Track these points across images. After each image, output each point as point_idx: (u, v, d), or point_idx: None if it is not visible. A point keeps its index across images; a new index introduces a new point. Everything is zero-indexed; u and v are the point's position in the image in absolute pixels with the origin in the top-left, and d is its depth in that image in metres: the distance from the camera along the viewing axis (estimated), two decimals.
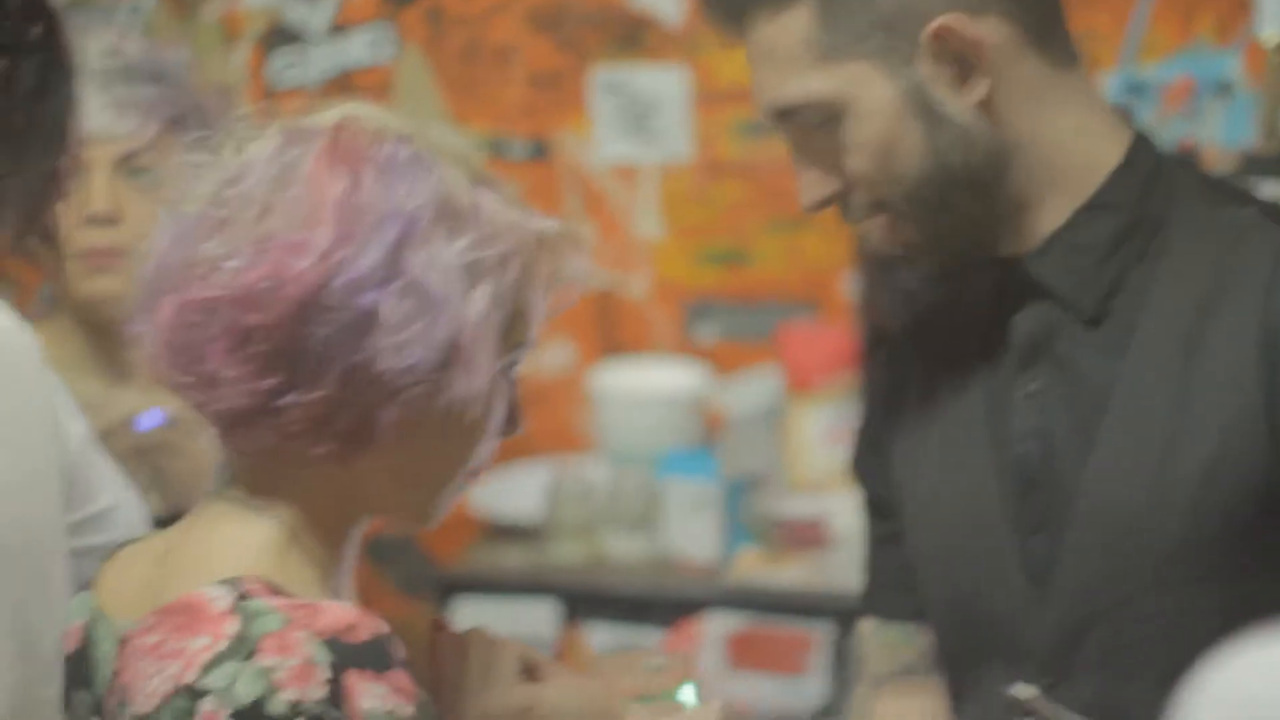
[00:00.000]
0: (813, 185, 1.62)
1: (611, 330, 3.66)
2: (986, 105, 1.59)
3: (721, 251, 3.60)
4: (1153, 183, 1.63)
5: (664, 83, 3.54)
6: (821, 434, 3.23)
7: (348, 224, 1.36)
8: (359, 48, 3.65)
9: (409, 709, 1.33)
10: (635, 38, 3.54)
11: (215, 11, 3.69)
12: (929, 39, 1.57)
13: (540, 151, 3.62)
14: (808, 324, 3.50)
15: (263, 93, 3.68)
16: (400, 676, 1.34)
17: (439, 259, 1.37)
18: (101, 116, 2.06)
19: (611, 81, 3.57)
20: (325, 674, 1.31)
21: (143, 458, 2.06)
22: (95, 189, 2.08)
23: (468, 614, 3.24)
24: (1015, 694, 1.63)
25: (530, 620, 3.24)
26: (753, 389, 3.47)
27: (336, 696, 1.31)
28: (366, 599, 1.45)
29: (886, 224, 1.63)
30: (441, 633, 1.55)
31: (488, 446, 1.46)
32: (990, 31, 1.58)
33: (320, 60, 3.67)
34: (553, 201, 3.61)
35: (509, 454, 3.65)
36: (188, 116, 2.12)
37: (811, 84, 1.59)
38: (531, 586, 3.23)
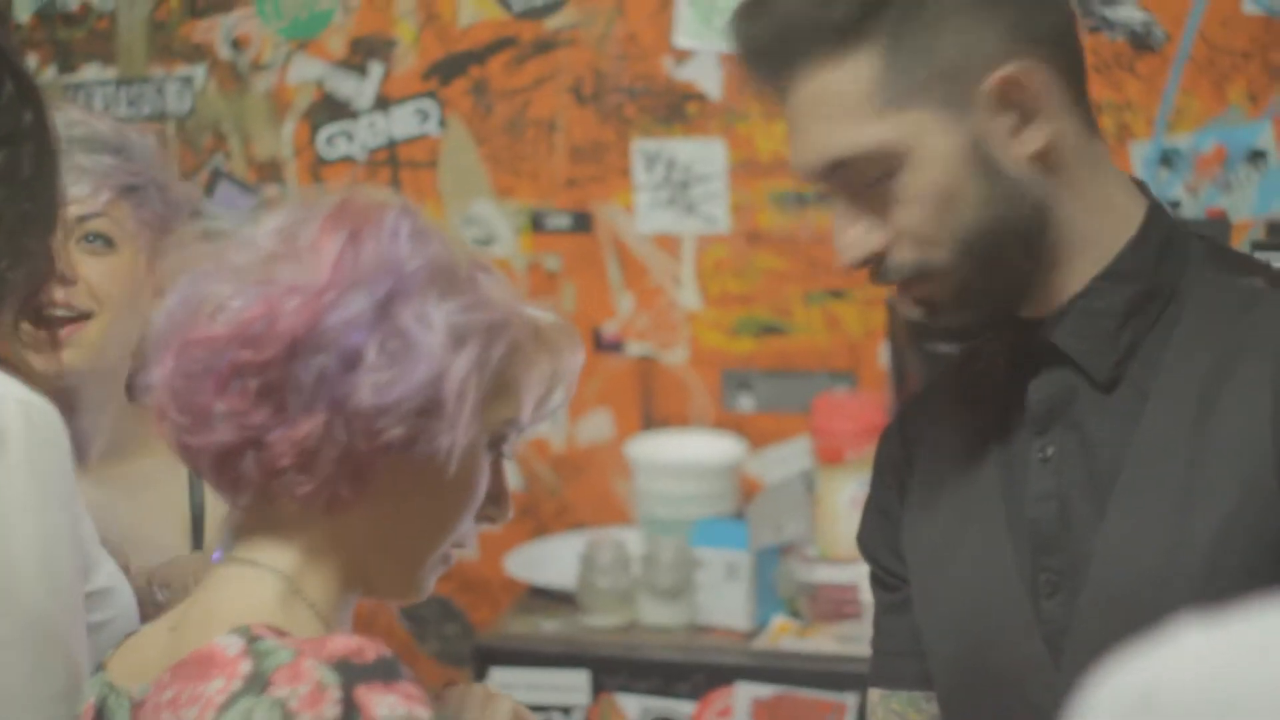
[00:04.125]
0: (857, 241, 1.58)
1: (651, 399, 3.67)
2: (1039, 158, 1.58)
3: (759, 321, 3.61)
4: (1166, 252, 1.63)
5: (704, 154, 3.56)
6: (853, 503, 3.22)
7: (343, 273, 1.42)
8: (405, 121, 3.69)
9: (424, 713, 1.35)
10: (676, 110, 3.56)
11: (264, 85, 3.74)
12: (994, 87, 1.55)
13: (582, 223, 3.65)
14: (840, 394, 3.49)
15: (312, 164, 3.72)
16: (409, 686, 1.36)
17: (427, 314, 1.43)
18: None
19: (652, 153, 3.59)
20: (336, 694, 1.33)
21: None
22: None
23: (503, 683, 3.23)
24: None
25: (563, 688, 3.23)
26: (786, 458, 3.47)
27: (350, 713, 1.33)
28: None
29: (921, 284, 1.60)
30: (444, 686, 1.58)
31: (468, 520, 1.50)
32: (1047, 83, 1.57)
33: (367, 133, 3.70)
34: (595, 271, 3.63)
35: (549, 524, 3.67)
36: (144, 189, 2.12)
37: (871, 133, 1.54)
38: (565, 655, 3.22)
